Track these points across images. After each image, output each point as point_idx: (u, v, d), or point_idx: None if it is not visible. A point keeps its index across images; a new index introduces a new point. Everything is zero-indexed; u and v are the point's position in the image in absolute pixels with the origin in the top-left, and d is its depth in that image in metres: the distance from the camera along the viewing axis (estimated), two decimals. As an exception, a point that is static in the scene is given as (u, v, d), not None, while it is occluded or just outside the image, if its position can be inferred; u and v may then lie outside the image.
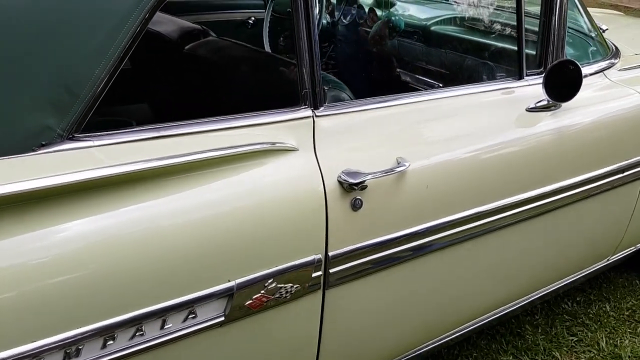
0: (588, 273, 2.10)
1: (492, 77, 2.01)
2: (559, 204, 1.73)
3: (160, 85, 1.87)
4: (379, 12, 2.72)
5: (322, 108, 1.36)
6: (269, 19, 2.89)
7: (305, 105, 1.34)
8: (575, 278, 2.05)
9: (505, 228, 1.62)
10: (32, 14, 1.06)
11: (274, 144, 1.26)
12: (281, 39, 3.00)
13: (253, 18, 3.09)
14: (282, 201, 1.25)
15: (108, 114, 1.23)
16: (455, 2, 2.63)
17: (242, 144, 1.22)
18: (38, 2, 1.07)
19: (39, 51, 1.06)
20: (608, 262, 2.17)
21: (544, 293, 1.95)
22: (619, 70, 1.99)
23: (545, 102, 1.68)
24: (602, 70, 1.95)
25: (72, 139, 1.09)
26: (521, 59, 1.73)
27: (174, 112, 1.37)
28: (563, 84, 1.63)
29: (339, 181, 1.30)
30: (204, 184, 1.18)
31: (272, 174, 1.25)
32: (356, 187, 1.29)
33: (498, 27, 2.28)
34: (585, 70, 1.90)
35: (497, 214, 1.57)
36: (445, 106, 1.59)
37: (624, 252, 2.20)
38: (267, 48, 2.85)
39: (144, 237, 1.10)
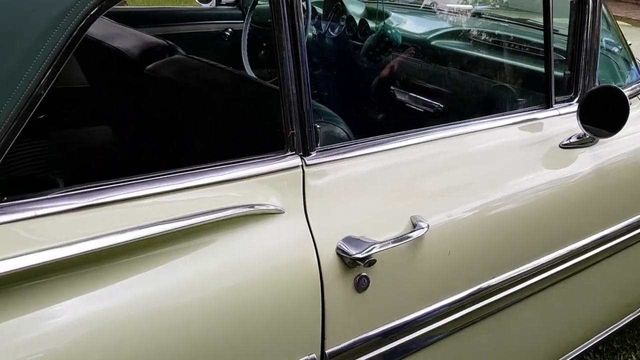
0: (617, 328, 1.82)
1: (512, 105, 1.71)
2: (597, 258, 1.43)
3: (113, 118, 1.54)
4: (371, 24, 2.43)
5: (313, 154, 1.05)
6: (247, 31, 2.59)
7: (292, 151, 1.03)
8: (605, 336, 1.76)
9: (538, 293, 1.32)
10: None
11: (252, 206, 0.94)
12: (262, 52, 2.70)
13: (230, 30, 2.77)
14: (264, 285, 0.93)
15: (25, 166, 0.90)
16: (460, 12, 2.33)
17: (210, 209, 0.90)
18: None
19: None
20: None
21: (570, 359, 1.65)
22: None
23: (581, 137, 1.39)
24: (637, 94, 1.67)
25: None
26: (549, 84, 1.44)
27: (124, 154, 1.05)
28: (602, 115, 1.35)
29: (338, 254, 0.98)
30: (157, 267, 0.86)
31: (250, 249, 0.94)
32: (361, 263, 0.97)
33: (516, 43, 1.99)
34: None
35: (532, 277, 1.27)
36: (463, 145, 1.28)
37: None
38: (246, 64, 2.55)
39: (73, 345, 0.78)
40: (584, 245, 1.37)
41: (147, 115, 1.48)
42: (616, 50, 1.79)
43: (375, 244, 0.98)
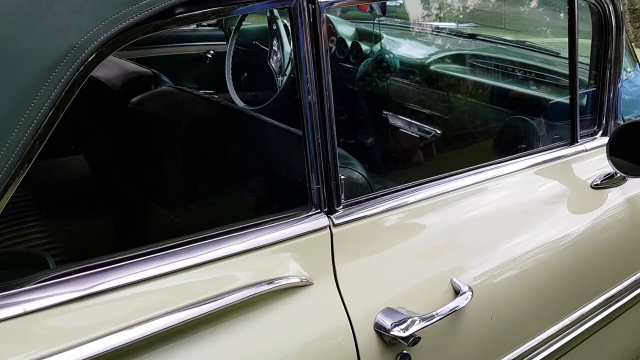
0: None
1: (533, 139, 1.61)
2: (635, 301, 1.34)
3: (95, 161, 1.37)
4: (364, 47, 2.31)
5: (340, 210, 0.92)
6: (232, 53, 2.45)
7: (316, 209, 0.89)
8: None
9: (583, 342, 1.21)
10: None
11: (273, 281, 0.80)
12: (245, 75, 2.57)
13: (212, 52, 2.63)
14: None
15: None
16: (460, 34, 2.24)
17: (225, 291, 0.75)
18: None
19: None
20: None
21: None
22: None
23: (611, 176, 1.29)
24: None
25: None
26: (575, 118, 1.34)
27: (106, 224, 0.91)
28: (633, 152, 1.25)
29: (376, 331, 0.85)
30: None
31: (276, 331, 0.79)
32: (404, 342, 0.84)
33: (526, 68, 1.90)
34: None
35: (575, 329, 1.16)
36: (490, 191, 1.16)
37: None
38: (231, 88, 2.41)
39: None
40: (622, 290, 1.27)
41: (135, 157, 1.32)
42: (632, 77, 1.72)
43: (417, 318, 0.85)
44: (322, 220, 0.89)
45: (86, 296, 0.68)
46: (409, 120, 2.11)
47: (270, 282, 0.79)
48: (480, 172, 1.16)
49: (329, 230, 0.89)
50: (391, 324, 0.84)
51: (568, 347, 1.15)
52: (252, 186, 1.08)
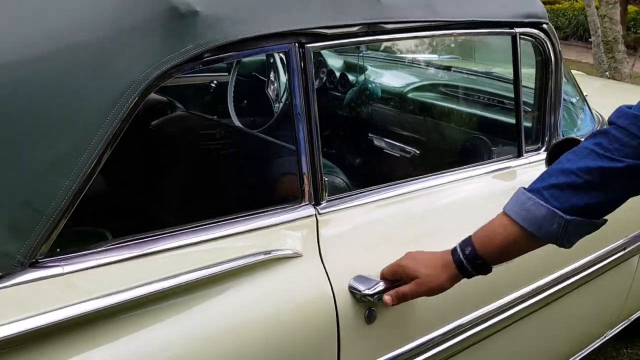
0: (583, 356, 1.98)
1: (487, 154, 1.90)
2: (565, 290, 1.61)
3: (124, 175, 1.65)
4: (351, 78, 2.62)
5: (323, 203, 1.20)
6: (233, 83, 2.75)
7: (306, 202, 1.18)
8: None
9: (513, 324, 1.48)
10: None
11: (271, 252, 1.07)
12: (245, 102, 2.86)
13: (216, 81, 2.93)
14: (287, 319, 1.06)
15: (75, 222, 1.02)
16: (434, 66, 2.56)
17: (237, 256, 1.03)
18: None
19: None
20: (603, 340, 2.07)
21: None
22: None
23: None
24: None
25: (35, 265, 0.88)
26: (520, 135, 1.63)
27: (145, 210, 1.18)
28: None
29: (350, 291, 1.12)
30: (193, 309, 0.98)
31: (274, 288, 1.07)
32: (371, 298, 1.11)
33: (486, 95, 2.21)
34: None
35: (511, 309, 1.43)
36: (446, 193, 1.45)
37: (619, 326, 2.10)
38: (232, 113, 2.70)
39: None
40: (554, 279, 1.55)
41: (160, 170, 1.61)
42: (574, 100, 2.02)
43: (381, 281, 1.13)
44: (310, 210, 1.17)
45: (133, 257, 0.96)
46: (389, 140, 2.40)
47: (268, 252, 1.07)
48: (438, 177, 1.45)
49: (315, 218, 1.17)
50: (361, 285, 1.11)
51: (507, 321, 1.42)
52: (257, 186, 1.37)
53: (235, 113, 2.74)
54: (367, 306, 1.14)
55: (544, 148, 1.72)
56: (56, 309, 0.83)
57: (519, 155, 1.64)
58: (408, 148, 2.22)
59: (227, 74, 2.92)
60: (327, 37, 1.17)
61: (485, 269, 1.09)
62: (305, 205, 1.17)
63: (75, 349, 0.86)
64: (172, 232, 1.02)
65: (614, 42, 5.33)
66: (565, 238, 1.01)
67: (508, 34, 1.55)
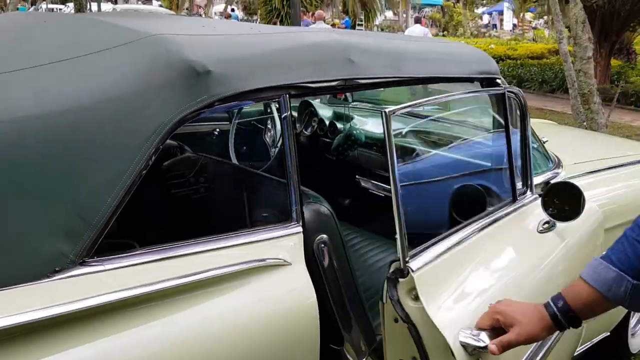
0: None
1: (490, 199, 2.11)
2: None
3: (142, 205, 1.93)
4: (339, 126, 2.94)
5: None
6: (234, 131, 3.06)
7: (295, 222, 1.45)
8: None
9: None
10: (51, 149, 1.14)
11: (265, 260, 1.34)
12: (244, 148, 3.16)
13: (218, 129, 3.24)
14: (279, 315, 1.32)
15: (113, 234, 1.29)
16: (416, 115, 2.87)
17: (236, 262, 1.29)
18: (57, 136, 1.15)
19: (56, 182, 1.13)
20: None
21: None
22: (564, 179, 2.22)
23: (549, 223, 1.84)
24: (549, 181, 2.18)
25: (83, 264, 1.14)
26: (514, 182, 1.88)
27: (161, 232, 1.44)
28: (561, 204, 1.80)
29: (462, 345, 1.31)
30: (195, 306, 1.23)
31: (268, 289, 1.33)
32: (482, 350, 1.31)
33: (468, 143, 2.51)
34: (534, 180, 2.13)
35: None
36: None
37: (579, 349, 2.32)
38: (233, 157, 2.99)
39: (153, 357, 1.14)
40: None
41: (170, 203, 1.89)
42: (535, 146, 2.32)
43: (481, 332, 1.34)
44: (299, 228, 1.44)
45: (157, 260, 1.22)
46: (372, 181, 2.69)
47: (262, 260, 1.33)
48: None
49: (302, 234, 1.44)
50: (472, 340, 1.33)
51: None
52: (258, 210, 1.64)
53: (236, 157, 3.05)
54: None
55: (528, 190, 1.98)
56: (98, 295, 1.08)
57: (514, 200, 1.88)
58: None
59: (228, 123, 3.24)
60: (312, 90, 1.47)
61: (576, 322, 1.18)
62: (295, 224, 1.44)
63: (114, 327, 1.11)
64: (185, 243, 1.29)
65: (589, 95, 5.71)
66: (632, 302, 1.11)
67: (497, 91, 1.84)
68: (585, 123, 5.96)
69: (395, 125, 2.57)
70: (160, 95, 1.24)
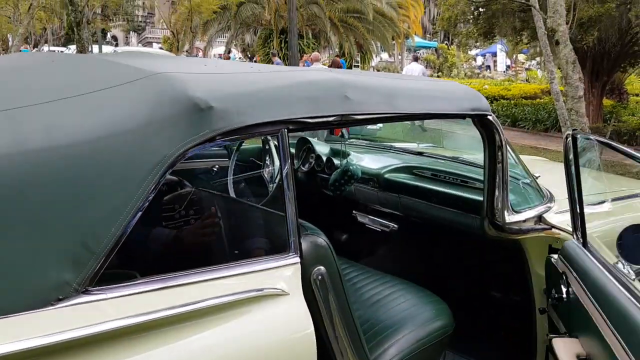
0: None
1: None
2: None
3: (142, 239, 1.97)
4: (336, 162, 3.00)
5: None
6: (232, 167, 3.11)
7: (293, 252, 1.48)
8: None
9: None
10: (60, 180, 1.18)
11: (262, 290, 1.37)
12: (243, 184, 3.21)
13: (217, 166, 3.30)
14: (275, 346, 1.34)
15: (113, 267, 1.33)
16: (409, 152, 2.94)
17: (235, 291, 1.32)
18: (66, 167, 1.20)
19: (63, 212, 1.17)
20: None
21: None
22: (556, 213, 2.27)
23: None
24: (541, 214, 2.22)
25: (86, 292, 1.17)
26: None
27: (162, 262, 1.47)
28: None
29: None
30: (193, 335, 1.26)
31: (266, 319, 1.35)
32: None
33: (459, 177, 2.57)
34: (527, 214, 2.18)
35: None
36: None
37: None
38: (232, 192, 3.04)
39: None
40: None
41: (171, 236, 1.93)
42: (525, 180, 2.38)
43: None
44: (296, 259, 1.47)
45: (155, 290, 1.25)
46: (370, 216, 2.73)
47: (260, 290, 1.36)
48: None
49: (300, 265, 1.47)
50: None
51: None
52: (257, 241, 1.67)
53: (234, 192, 3.09)
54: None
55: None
56: (100, 323, 1.11)
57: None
58: (392, 225, 2.53)
59: (227, 159, 3.30)
60: (310, 124, 1.52)
61: None
62: (293, 255, 1.47)
63: (115, 354, 1.13)
64: (185, 273, 1.32)
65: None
66: None
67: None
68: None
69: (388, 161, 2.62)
70: (164, 129, 1.29)
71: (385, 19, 23.08)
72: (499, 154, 2.04)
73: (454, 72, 31.61)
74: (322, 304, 1.56)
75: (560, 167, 3.84)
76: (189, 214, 1.98)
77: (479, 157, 2.76)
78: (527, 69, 29.67)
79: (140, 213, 1.24)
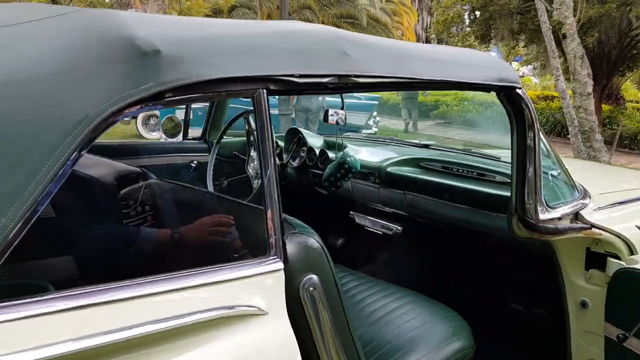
0: None
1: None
2: None
3: (89, 236, 1.57)
4: (331, 155, 2.61)
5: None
6: (213, 162, 2.73)
7: (274, 255, 1.09)
8: None
9: None
10: None
11: (232, 307, 0.98)
12: (224, 180, 2.83)
13: (196, 162, 2.91)
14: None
15: (16, 274, 0.93)
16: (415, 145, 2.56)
17: (197, 310, 0.93)
18: None
19: None
20: None
21: None
22: (594, 210, 1.90)
23: None
24: (578, 211, 1.84)
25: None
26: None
27: (106, 268, 1.09)
28: None
29: None
30: None
31: (236, 348, 0.96)
32: None
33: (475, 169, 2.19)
34: (562, 210, 1.80)
35: None
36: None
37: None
38: (211, 189, 2.66)
39: None
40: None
41: (124, 236, 1.53)
42: (555, 173, 2.00)
43: None
44: (279, 264, 1.09)
45: (76, 307, 0.86)
46: (369, 217, 2.34)
47: (230, 308, 0.97)
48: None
49: (283, 272, 1.08)
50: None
51: None
52: (230, 242, 1.28)
53: (214, 190, 2.71)
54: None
55: None
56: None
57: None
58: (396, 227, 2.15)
59: (207, 154, 2.91)
60: (297, 86, 1.14)
61: None
62: (274, 258, 1.09)
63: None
64: (115, 285, 0.92)
65: (591, 132, 5.47)
66: None
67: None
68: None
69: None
70: (90, 79, 0.91)
71: (379, 24, 22.82)
72: (530, 135, 1.66)
73: (447, 79, 31.32)
74: (314, 323, 1.18)
75: (579, 163, 3.47)
76: (145, 210, 1.59)
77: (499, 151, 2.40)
78: (521, 77, 29.49)
79: (46, 200, 0.85)
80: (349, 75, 1.23)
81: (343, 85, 1.24)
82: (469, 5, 12.55)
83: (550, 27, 5.66)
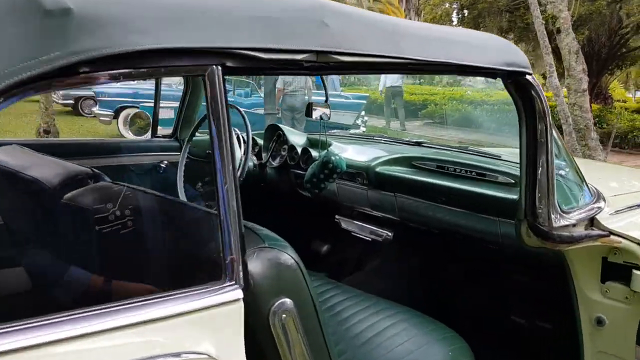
0: None
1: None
2: None
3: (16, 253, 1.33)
4: (314, 153, 2.37)
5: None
6: (184, 163, 2.47)
7: (231, 280, 0.85)
8: None
9: None
10: None
11: (179, 355, 0.73)
12: (199, 184, 2.57)
13: (166, 162, 2.65)
14: None
15: None
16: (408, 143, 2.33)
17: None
18: None
19: None
20: None
21: None
22: (610, 214, 1.67)
23: None
24: (593, 216, 1.62)
25: None
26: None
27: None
28: None
29: None
30: None
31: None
32: None
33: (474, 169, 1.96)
34: (576, 215, 1.58)
35: None
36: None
37: None
38: (181, 194, 2.40)
39: None
40: None
41: (56, 250, 1.27)
42: (565, 172, 1.77)
43: None
44: (237, 293, 0.84)
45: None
46: (356, 221, 2.10)
47: (166, 357, 0.72)
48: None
49: (242, 303, 0.83)
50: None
51: None
52: (173, 261, 1.03)
53: (186, 196, 2.46)
54: None
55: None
56: None
57: None
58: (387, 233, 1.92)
59: (178, 153, 2.66)
60: (262, 63, 0.90)
61: None
62: (231, 285, 0.84)
63: None
64: (40, 322, 0.68)
65: (586, 130, 5.28)
66: None
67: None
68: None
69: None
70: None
71: (366, 23, 22.69)
72: (541, 128, 1.44)
73: (435, 79, 31.32)
74: (288, 356, 0.94)
75: (581, 162, 3.24)
76: (88, 215, 1.34)
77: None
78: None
79: None
80: (329, 52, 0.99)
81: (322, 64, 0.99)
82: (457, 4, 12.39)
83: (543, 22, 5.46)
